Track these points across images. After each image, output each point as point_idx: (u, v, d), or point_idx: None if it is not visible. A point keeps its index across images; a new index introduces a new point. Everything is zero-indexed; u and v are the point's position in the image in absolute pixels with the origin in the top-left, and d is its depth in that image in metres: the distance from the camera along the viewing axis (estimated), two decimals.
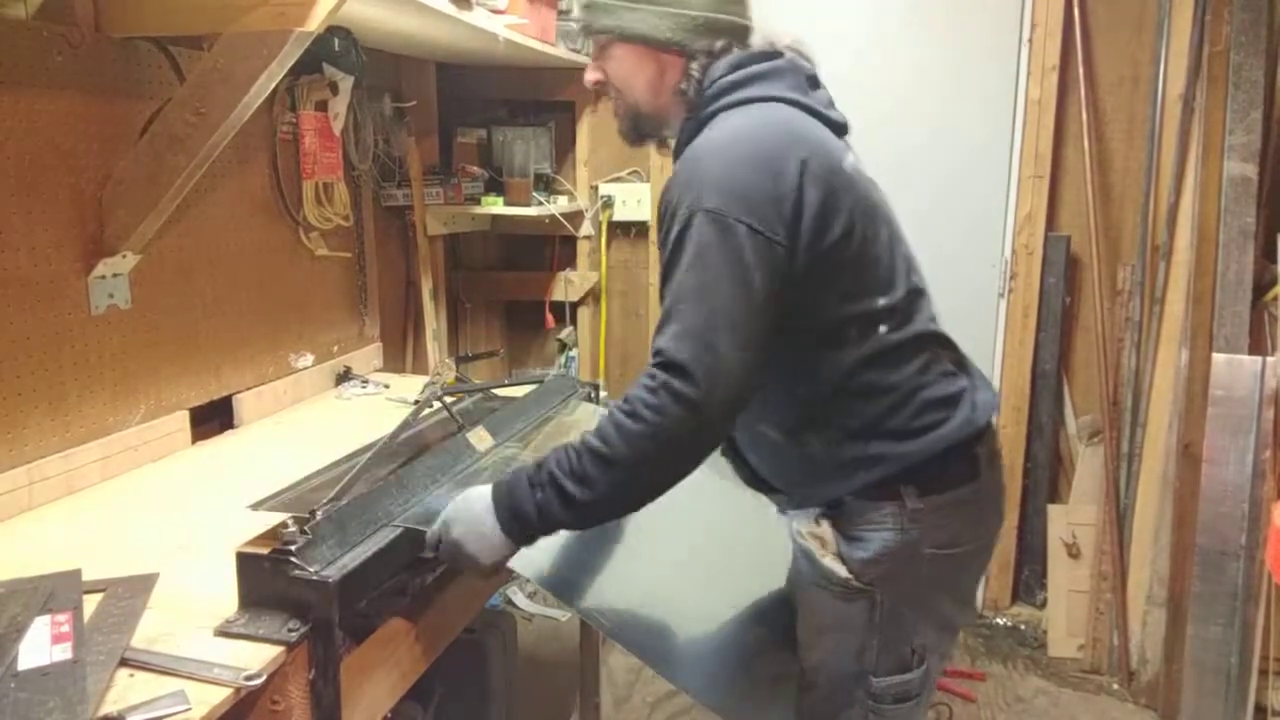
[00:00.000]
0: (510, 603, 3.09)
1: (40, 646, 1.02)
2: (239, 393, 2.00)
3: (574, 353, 3.24)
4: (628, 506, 1.21)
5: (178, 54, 1.73)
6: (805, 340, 1.24)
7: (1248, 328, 2.37)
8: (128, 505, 1.54)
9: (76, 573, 1.20)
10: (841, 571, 1.28)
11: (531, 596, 3.18)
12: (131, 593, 1.16)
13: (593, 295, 3.19)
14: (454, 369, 2.36)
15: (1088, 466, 2.86)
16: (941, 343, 1.33)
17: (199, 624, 1.09)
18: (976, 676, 2.75)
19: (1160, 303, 2.63)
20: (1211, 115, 2.48)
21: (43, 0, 1.48)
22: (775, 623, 1.47)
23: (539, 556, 1.31)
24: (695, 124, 1.28)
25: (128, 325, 1.70)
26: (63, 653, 1.01)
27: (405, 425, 1.61)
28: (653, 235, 3.10)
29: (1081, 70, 2.70)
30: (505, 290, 3.29)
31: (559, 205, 2.94)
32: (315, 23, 1.44)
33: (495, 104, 3.07)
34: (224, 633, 1.06)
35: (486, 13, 2.12)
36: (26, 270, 1.49)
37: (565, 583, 1.40)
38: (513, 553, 1.22)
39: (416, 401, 1.99)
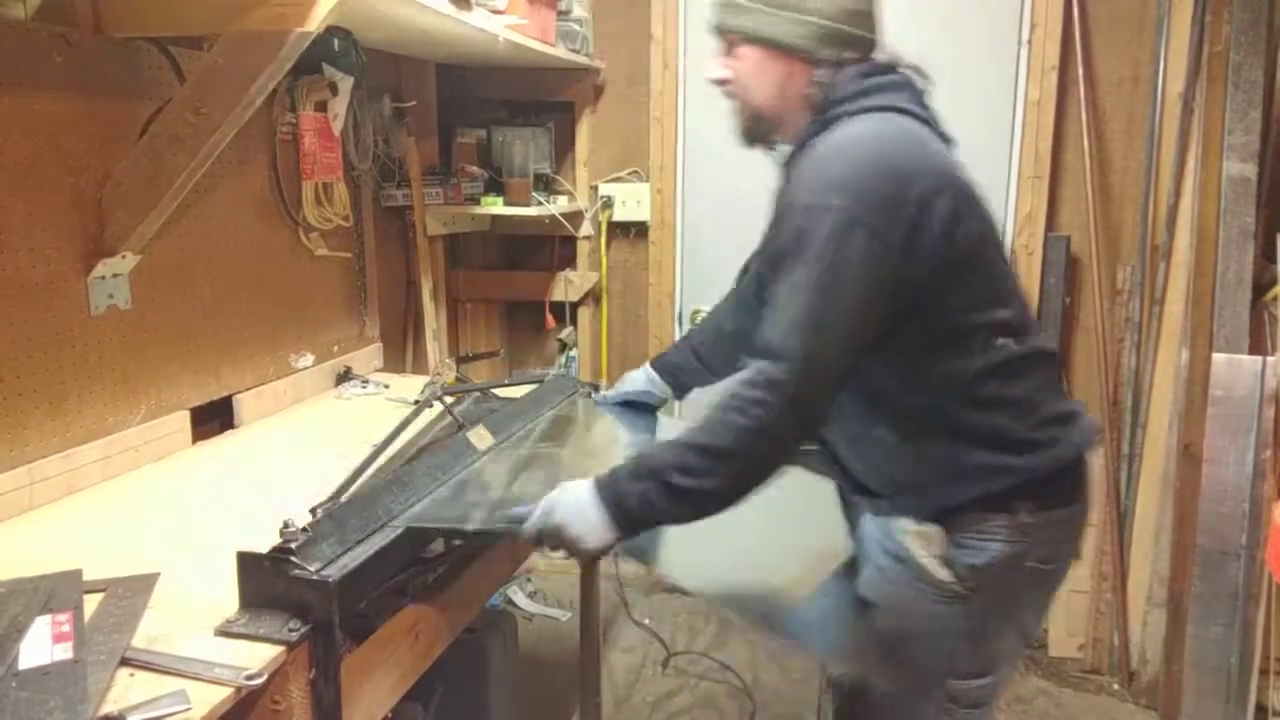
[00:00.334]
0: (510, 603, 3.09)
1: (41, 646, 1.02)
2: (239, 393, 2.00)
3: (574, 353, 3.24)
4: (731, 499, 1.22)
5: (178, 54, 1.73)
6: (932, 346, 1.26)
7: (1248, 328, 2.37)
8: (128, 505, 1.54)
9: (77, 573, 1.20)
10: (943, 575, 1.30)
11: (532, 596, 3.18)
12: (132, 592, 1.16)
13: (593, 295, 3.19)
14: (454, 369, 2.36)
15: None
16: (1054, 361, 1.38)
17: (200, 624, 1.09)
18: None
19: (1160, 303, 2.63)
20: (1211, 115, 2.48)
21: (42, 0, 1.47)
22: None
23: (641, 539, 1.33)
24: (817, 127, 1.30)
25: (128, 325, 1.70)
26: (63, 652, 1.01)
27: (406, 424, 1.61)
28: (653, 235, 3.10)
29: (1081, 70, 2.70)
30: (505, 290, 3.29)
31: (559, 205, 2.94)
32: (315, 23, 1.44)
33: (495, 104, 3.07)
34: (225, 632, 1.06)
35: (486, 13, 2.12)
36: (26, 270, 1.49)
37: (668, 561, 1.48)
38: (617, 540, 1.23)
39: (416, 402, 1.99)
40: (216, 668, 1.00)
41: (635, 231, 3.14)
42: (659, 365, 1.78)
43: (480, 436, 1.61)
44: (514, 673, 2.26)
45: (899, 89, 1.31)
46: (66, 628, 1.05)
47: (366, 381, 2.36)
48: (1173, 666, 2.49)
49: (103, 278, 1.63)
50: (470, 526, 1.34)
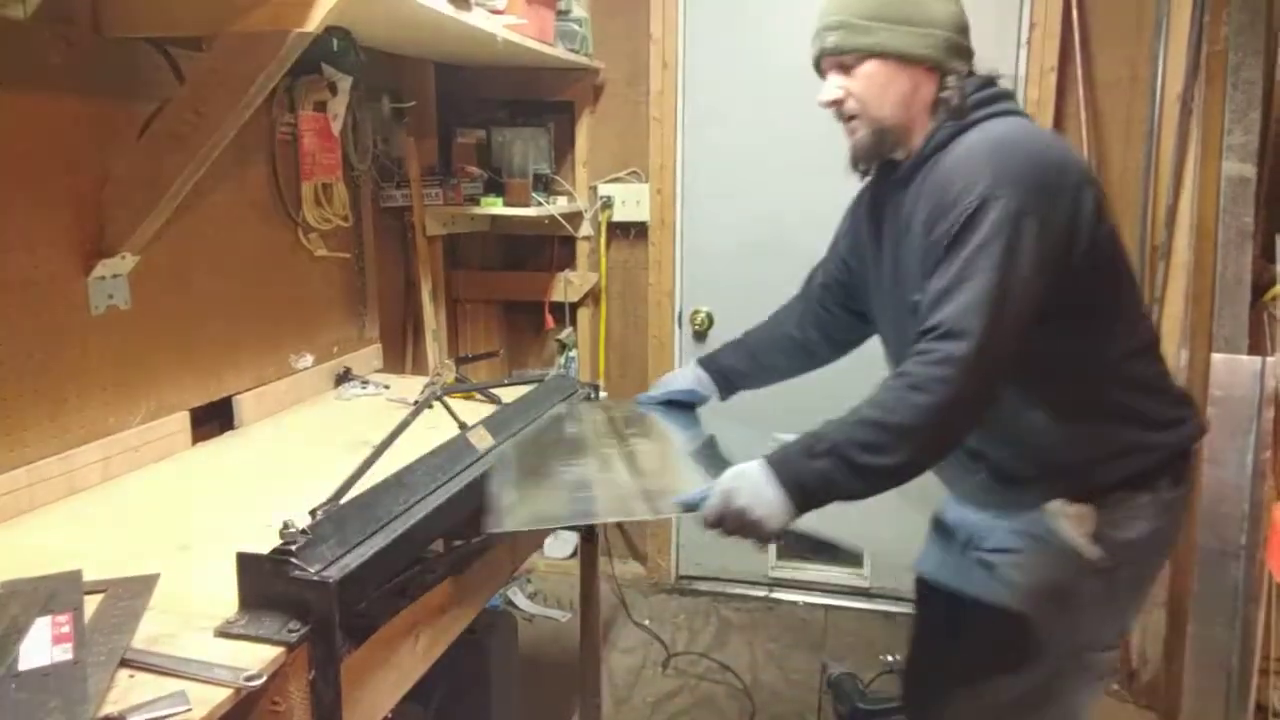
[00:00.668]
0: (510, 603, 3.09)
1: (41, 647, 1.02)
2: (239, 393, 2.00)
3: (573, 353, 3.24)
4: (909, 474, 1.25)
5: (177, 54, 1.73)
6: (1090, 328, 1.35)
7: (1247, 328, 2.37)
8: (128, 506, 1.54)
9: (77, 573, 1.20)
10: (1094, 553, 1.38)
11: (532, 597, 3.18)
12: (132, 593, 1.16)
13: (592, 296, 3.19)
14: (454, 369, 2.36)
15: None
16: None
17: (199, 625, 1.09)
18: None
19: (1159, 303, 2.63)
20: (1210, 115, 2.48)
21: (42, 0, 1.47)
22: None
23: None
24: (951, 130, 1.38)
25: (127, 326, 1.70)
26: (63, 653, 1.01)
27: (406, 425, 1.61)
28: (652, 235, 3.10)
29: (1080, 71, 2.71)
30: (505, 291, 3.29)
31: (558, 206, 2.94)
32: (314, 23, 1.43)
33: (494, 104, 3.07)
34: (224, 633, 1.06)
35: (485, 13, 2.12)
36: (26, 270, 1.49)
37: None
38: (793, 519, 1.25)
39: (416, 402, 1.99)
40: (216, 669, 1.00)
41: (635, 232, 3.14)
42: (709, 365, 1.80)
43: (480, 437, 1.60)
44: (514, 673, 2.26)
45: (1011, 97, 1.43)
46: (66, 629, 1.05)
47: (366, 382, 2.35)
48: (1172, 666, 2.49)
49: (102, 278, 1.63)
50: (639, 516, 1.41)
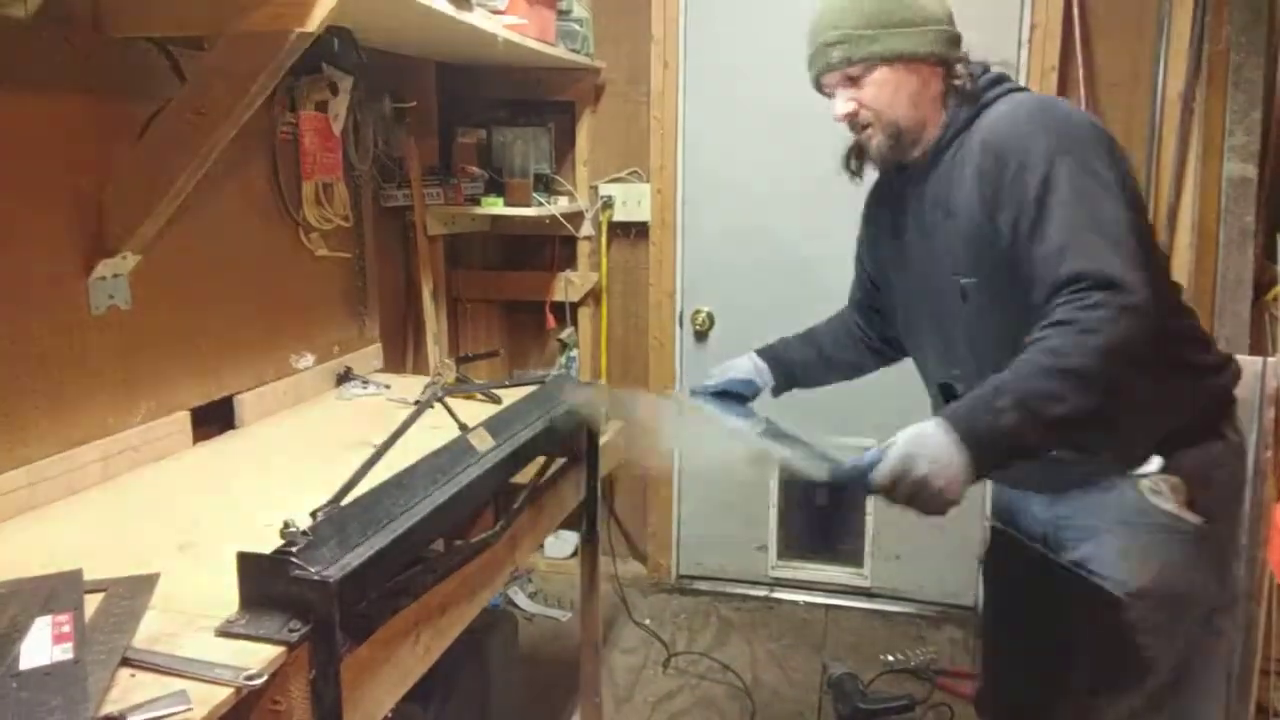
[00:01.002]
0: (510, 603, 3.09)
1: (41, 646, 1.02)
2: (239, 393, 2.00)
3: (574, 353, 3.24)
4: (1096, 421, 1.22)
5: (178, 54, 1.73)
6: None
7: (1248, 328, 2.37)
8: (128, 505, 1.54)
9: (77, 573, 1.20)
10: (1192, 518, 1.40)
11: (532, 597, 3.18)
12: (132, 593, 1.16)
13: (593, 295, 3.19)
14: (454, 369, 2.36)
15: None
16: None
17: (200, 624, 1.09)
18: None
19: None
20: (1211, 116, 2.48)
21: (43, 0, 1.47)
22: None
23: None
24: (969, 113, 1.42)
25: (128, 326, 1.70)
26: (64, 653, 1.01)
27: (408, 426, 1.60)
28: (653, 235, 3.10)
29: (1081, 71, 2.70)
30: (505, 290, 3.29)
31: (559, 206, 2.94)
32: (314, 23, 1.43)
33: (495, 104, 3.07)
34: (225, 633, 1.06)
35: (486, 13, 2.12)
36: (27, 270, 1.49)
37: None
38: (972, 484, 1.20)
39: (417, 402, 1.99)
40: (217, 668, 1.00)
41: (635, 231, 3.14)
42: (769, 357, 1.75)
43: (480, 438, 1.60)
44: (514, 673, 2.26)
45: (1008, 77, 1.47)
46: (67, 628, 1.05)
47: (367, 382, 2.35)
48: None
49: (103, 278, 1.63)
50: (820, 477, 1.30)
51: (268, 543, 1.10)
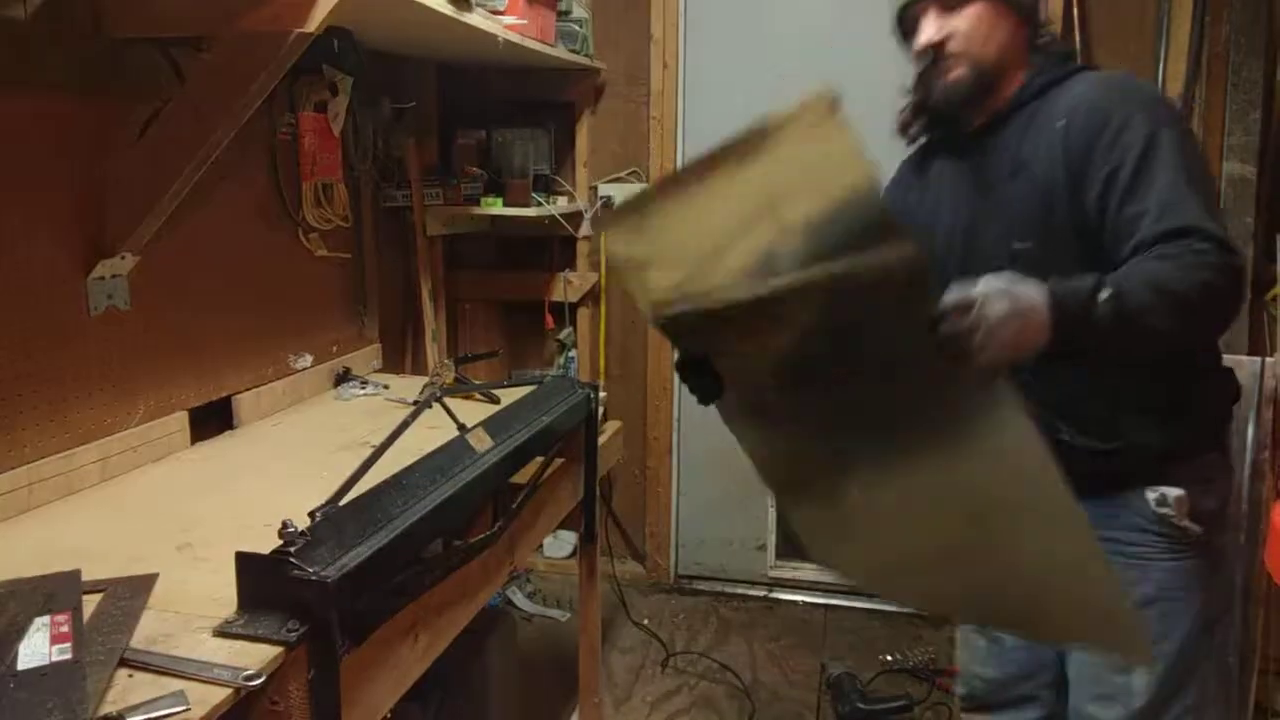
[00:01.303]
0: (510, 603, 3.09)
1: (40, 647, 1.02)
2: (238, 393, 2.00)
3: (573, 353, 3.24)
4: (1167, 340, 1.24)
5: (178, 54, 1.73)
6: None
7: (1247, 328, 2.37)
8: (127, 506, 1.54)
9: (76, 573, 1.20)
10: (1197, 529, 1.39)
11: (531, 596, 3.18)
12: (131, 593, 1.16)
13: (592, 296, 3.19)
14: (453, 369, 2.36)
15: None
16: None
17: (198, 624, 1.09)
18: None
19: None
20: (1211, 116, 2.48)
21: (43, 0, 1.47)
22: None
23: None
24: (1048, 78, 1.41)
25: (127, 326, 1.70)
26: (62, 653, 1.01)
27: (406, 426, 1.60)
28: None
29: None
30: (505, 291, 3.29)
31: (558, 206, 2.94)
32: (314, 23, 1.43)
33: (495, 104, 3.07)
34: (223, 633, 1.06)
35: (486, 13, 2.12)
36: (26, 270, 1.49)
37: None
38: (1029, 355, 1.12)
39: (416, 402, 1.99)
40: (215, 668, 1.00)
41: None
42: None
43: (479, 438, 1.60)
44: (514, 673, 2.26)
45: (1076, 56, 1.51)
46: (65, 628, 1.05)
47: (365, 382, 2.35)
48: None
49: (102, 278, 1.63)
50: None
51: (266, 543, 1.10)
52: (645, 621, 3.04)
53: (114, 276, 1.65)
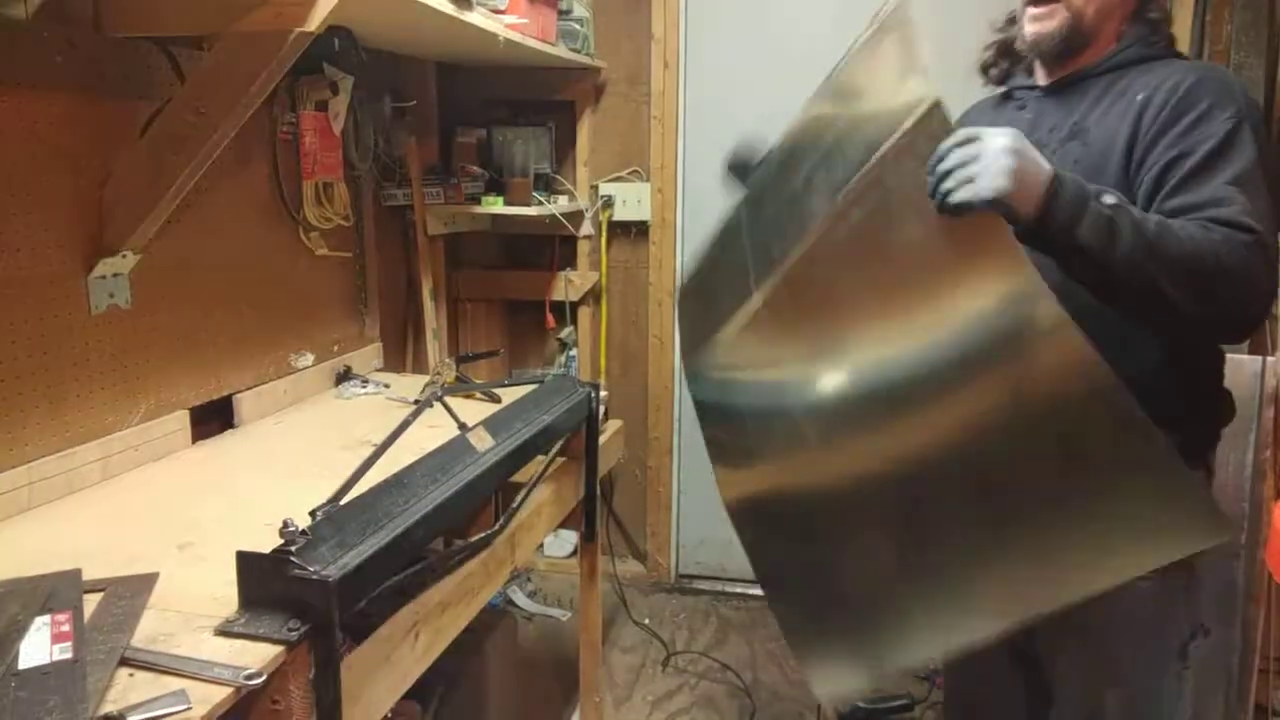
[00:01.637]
0: (510, 603, 3.10)
1: (40, 646, 1.02)
2: (239, 392, 2.00)
3: (574, 353, 3.24)
4: (1153, 301, 1.15)
5: (178, 54, 1.73)
6: None
7: None
8: (128, 505, 1.54)
9: (76, 572, 1.20)
10: None
11: (532, 596, 3.18)
12: (131, 592, 1.16)
13: (593, 295, 3.19)
14: (454, 369, 2.36)
15: None
16: None
17: (199, 623, 1.09)
18: None
19: None
20: None
21: (43, 0, 1.48)
22: None
23: None
24: (1141, 51, 1.39)
25: (128, 325, 1.70)
26: (63, 652, 1.01)
27: (407, 425, 1.61)
28: (653, 235, 3.10)
29: None
30: (505, 290, 3.29)
31: (559, 205, 2.94)
32: (315, 23, 1.43)
33: (495, 104, 3.07)
34: (224, 632, 1.06)
35: (486, 13, 2.12)
36: (26, 270, 1.49)
37: None
38: (1025, 211, 1.10)
39: (416, 401, 1.99)
40: (216, 667, 1.00)
41: (636, 231, 3.14)
42: None
43: (480, 437, 1.60)
44: (514, 673, 2.26)
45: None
46: (66, 627, 1.05)
47: (366, 381, 2.35)
48: None
49: (103, 277, 1.63)
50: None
51: (267, 542, 1.10)
52: (646, 621, 3.04)
53: (115, 275, 1.65)
